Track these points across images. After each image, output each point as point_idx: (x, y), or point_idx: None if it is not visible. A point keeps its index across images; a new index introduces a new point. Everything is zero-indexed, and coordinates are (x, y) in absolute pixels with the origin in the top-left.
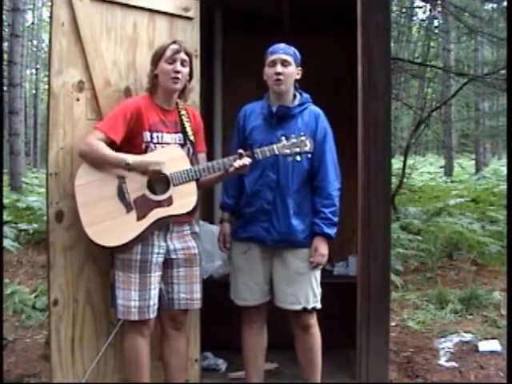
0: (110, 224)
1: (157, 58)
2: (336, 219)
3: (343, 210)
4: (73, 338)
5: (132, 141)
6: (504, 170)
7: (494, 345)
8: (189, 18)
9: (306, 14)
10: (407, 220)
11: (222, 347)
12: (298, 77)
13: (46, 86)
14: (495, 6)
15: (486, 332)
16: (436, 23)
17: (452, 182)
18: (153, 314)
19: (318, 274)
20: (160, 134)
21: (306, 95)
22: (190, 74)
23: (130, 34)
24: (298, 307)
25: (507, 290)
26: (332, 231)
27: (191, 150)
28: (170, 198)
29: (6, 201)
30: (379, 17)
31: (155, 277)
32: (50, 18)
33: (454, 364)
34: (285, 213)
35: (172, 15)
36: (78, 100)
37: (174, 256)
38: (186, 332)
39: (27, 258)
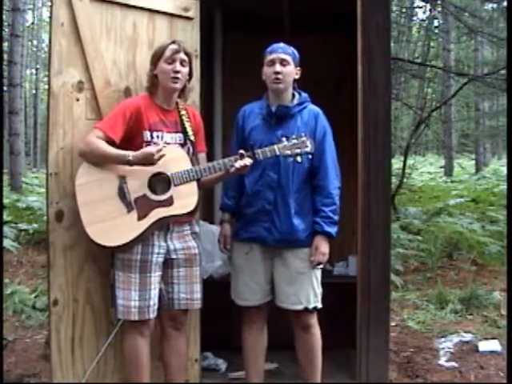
0: (110, 224)
1: (156, 58)
2: (336, 218)
3: (343, 210)
4: (73, 338)
5: (132, 140)
6: (504, 170)
7: (493, 345)
8: (189, 18)
9: (306, 14)
10: (407, 220)
11: (222, 347)
12: (297, 76)
13: (46, 86)
14: (495, 5)
15: (486, 332)
16: (436, 23)
17: (452, 181)
18: (153, 314)
19: (318, 273)
20: (160, 134)
21: (304, 94)
22: (190, 74)
23: (129, 34)
24: (300, 307)
25: (507, 290)
26: (332, 230)
27: (191, 150)
28: (171, 197)
29: (6, 201)
30: (379, 17)
31: (155, 277)
32: (50, 18)
33: (454, 364)
34: (286, 212)
35: (172, 15)
36: (77, 100)
37: (174, 256)
38: (186, 332)
39: (27, 258)
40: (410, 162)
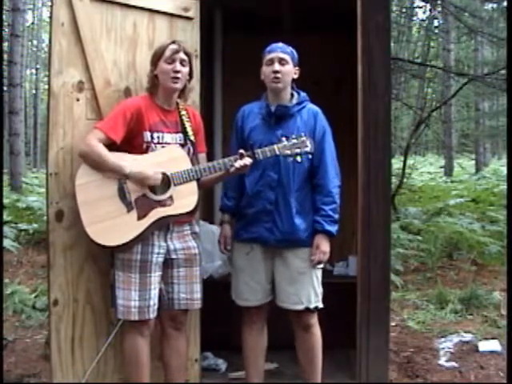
0: (110, 223)
1: (156, 58)
2: (337, 216)
3: (343, 210)
4: (73, 338)
5: (132, 141)
6: (504, 170)
7: (494, 345)
8: (189, 18)
9: (306, 14)
10: (407, 220)
11: (222, 347)
12: (296, 76)
13: (46, 86)
14: (495, 5)
15: (486, 332)
16: (436, 23)
17: (452, 181)
18: (153, 314)
19: (319, 273)
20: (161, 134)
21: (303, 94)
22: (190, 74)
23: (129, 34)
24: (301, 307)
25: (507, 290)
26: (333, 228)
27: (191, 150)
28: (171, 197)
29: (6, 201)
30: (379, 17)
31: (155, 277)
32: (50, 18)
33: (454, 364)
34: (287, 212)
35: (172, 15)
36: (77, 100)
37: (174, 256)
38: (186, 332)
39: (27, 258)
40: (410, 162)
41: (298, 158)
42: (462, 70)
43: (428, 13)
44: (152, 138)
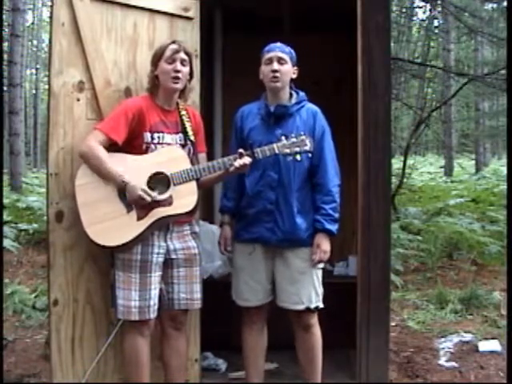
0: (110, 224)
1: (156, 58)
2: (337, 215)
3: (343, 210)
4: (73, 338)
5: (133, 141)
6: (504, 170)
7: (493, 345)
8: (189, 18)
9: (306, 14)
10: (407, 220)
11: (222, 347)
12: (294, 76)
13: (46, 86)
14: (495, 5)
15: (486, 332)
16: (436, 23)
17: (452, 181)
18: (153, 314)
19: (319, 273)
20: (161, 135)
21: (302, 93)
22: (191, 74)
23: (130, 34)
24: (301, 307)
25: (507, 290)
26: (333, 227)
27: (192, 150)
28: (171, 197)
29: (6, 201)
30: (379, 17)
31: (155, 277)
32: (50, 18)
33: (454, 364)
34: (288, 212)
35: (172, 15)
36: (78, 100)
37: (174, 256)
38: (186, 332)
39: (27, 258)
40: (410, 162)
41: (298, 157)
42: (462, 70)
43: (428, 13)
44: (152, 138)
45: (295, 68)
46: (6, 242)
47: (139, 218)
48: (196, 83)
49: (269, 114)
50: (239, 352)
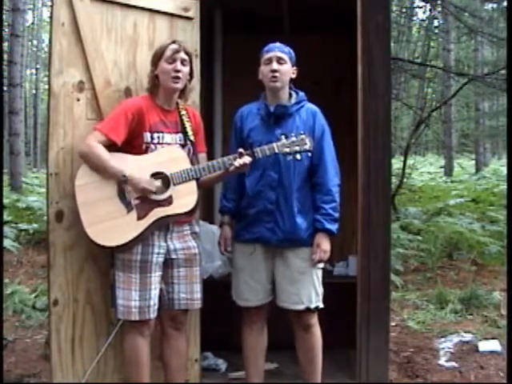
0: (110, 224)
1: (156, 58)
2: (337, 215)
3: (343, 210)
4: (73, 338)
5: (132, 141)
6: (504, 170)
7: (493, 345)
8: (189, 18)
9: (306, 14)
10: (407, 220)
11: (222, 347)
12: (294, 76)
13: (46, 86)
14: (495, 5)
15: (486, 332)
16: (436, 23)
17: (452, 182)
18: (153, 314)
19: (319, 273)
20: (161, 135)
21: (301, 93)
22: (191, 74)
23: (130, 34)
24: (301, 307)
25: (507, 290)
26: (333, 227)
27: (191, 150)
28: (170, 197)
29: (6, 201)
30: (379, 17)
31: (155, 277)
32: (51, 18)
33: (454, 364)
34: (289, 212)
35: (172, 15)
36: (78, 100)
37: (174, 256)
38: (186, 332)
39: (27, 257)
40: (410, 162)
41: (298, 156)
42: (462, 70)
43: (428, 13)
44: (152, 138)
45: (294, 68)
46: (6, 242)
47: (139, 218)
48: (196, 83)
49: (268, 114)
50: (239, 352)
